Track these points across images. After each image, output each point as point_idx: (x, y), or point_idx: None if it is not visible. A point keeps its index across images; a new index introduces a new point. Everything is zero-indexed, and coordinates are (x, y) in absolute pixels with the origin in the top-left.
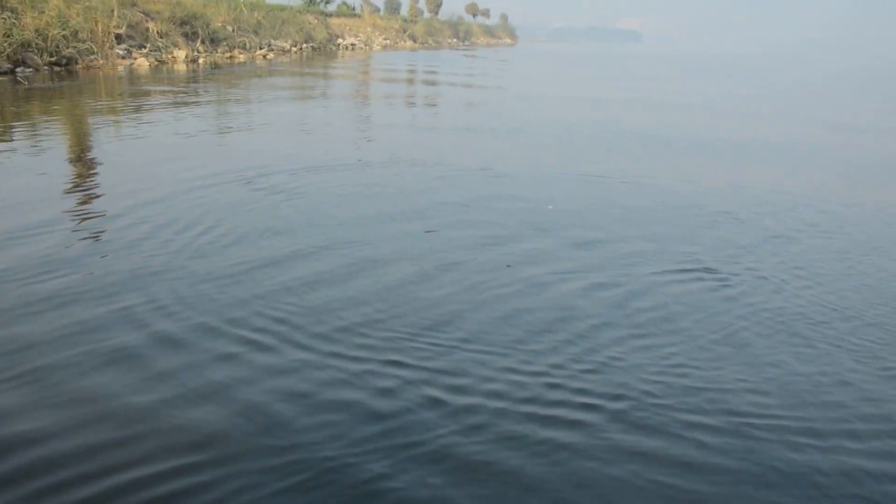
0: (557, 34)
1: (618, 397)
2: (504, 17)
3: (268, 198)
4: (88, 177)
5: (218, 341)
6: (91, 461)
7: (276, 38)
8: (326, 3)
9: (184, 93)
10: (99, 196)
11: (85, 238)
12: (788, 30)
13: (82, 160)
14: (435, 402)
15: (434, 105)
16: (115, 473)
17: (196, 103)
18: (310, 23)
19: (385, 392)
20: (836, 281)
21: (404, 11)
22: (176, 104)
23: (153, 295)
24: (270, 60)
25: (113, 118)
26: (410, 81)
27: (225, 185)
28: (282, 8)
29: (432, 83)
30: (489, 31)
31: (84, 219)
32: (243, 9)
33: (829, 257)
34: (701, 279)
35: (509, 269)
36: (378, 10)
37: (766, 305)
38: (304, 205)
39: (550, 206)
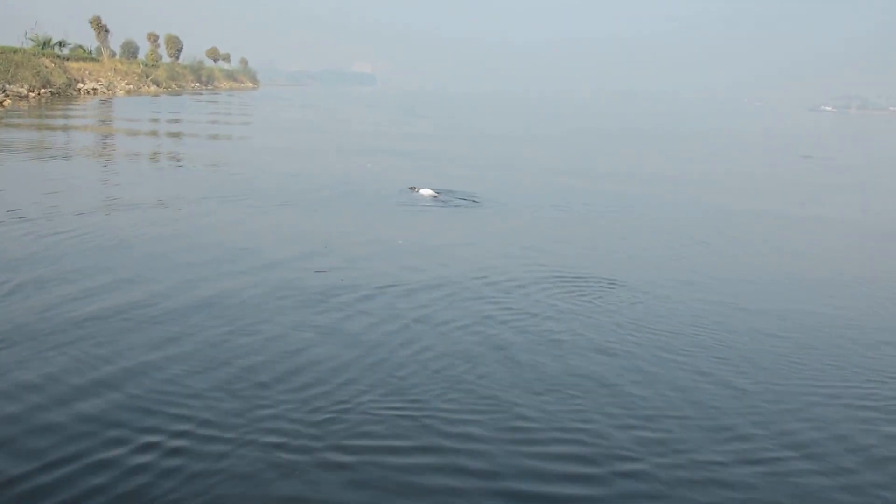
0: (296, 77)
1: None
2: (244, 62)
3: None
4: None
5: None
6: None
7: (10, 83)
8: (61, 46)
9: None
10: None
11: None
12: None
13: None
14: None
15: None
16: None
17: None
18: (46, 66)
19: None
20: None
21: (143, 55)
22: None
23: None
24: (7, 107)
25: None
26: (154, 157)
27: None
28: (14, 50)
29: (176, 157)
30: (231, 76)
31: None
32: None
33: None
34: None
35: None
36: (115, 53)
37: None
38: (61, 247)
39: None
